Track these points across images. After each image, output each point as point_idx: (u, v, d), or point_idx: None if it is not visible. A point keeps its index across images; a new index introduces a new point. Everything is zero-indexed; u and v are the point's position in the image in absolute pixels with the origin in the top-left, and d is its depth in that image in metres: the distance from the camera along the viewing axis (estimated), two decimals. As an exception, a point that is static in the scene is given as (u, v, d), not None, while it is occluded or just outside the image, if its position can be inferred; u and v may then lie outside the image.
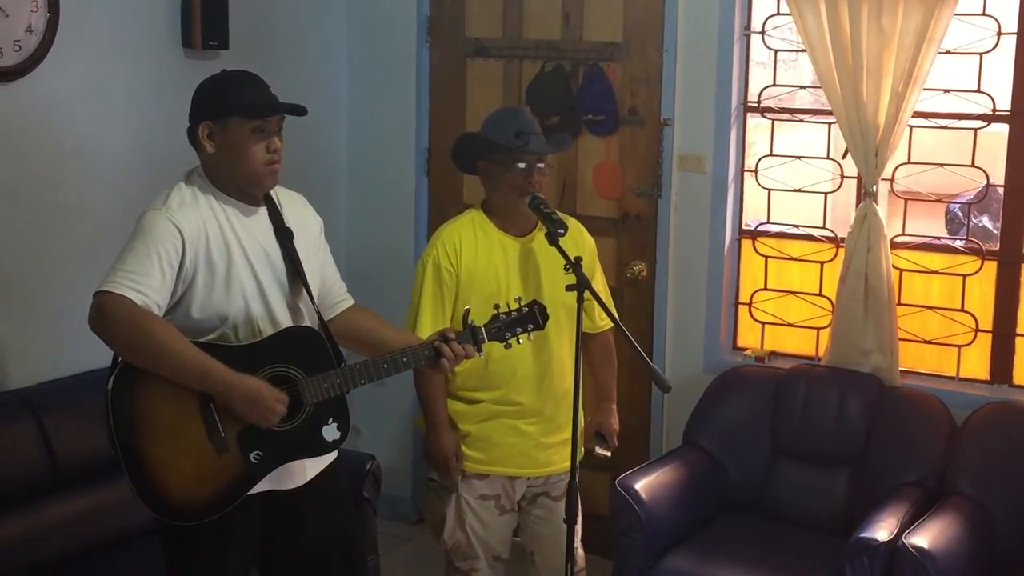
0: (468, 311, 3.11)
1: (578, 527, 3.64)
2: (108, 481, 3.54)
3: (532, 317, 3.13)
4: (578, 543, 3.67)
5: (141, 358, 2.76)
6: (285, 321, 2.96)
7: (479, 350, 3.07)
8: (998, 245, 4.24)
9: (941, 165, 4.31)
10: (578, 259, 3.25)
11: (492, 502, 3.57)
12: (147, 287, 2.75)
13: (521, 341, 3.14)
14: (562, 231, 3.35)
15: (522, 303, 3.14)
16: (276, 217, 2.99)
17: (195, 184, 2.92)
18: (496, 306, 3.13)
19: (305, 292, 3.00)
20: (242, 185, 2.92)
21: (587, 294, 3.21)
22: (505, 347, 3.13)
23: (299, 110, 2.94)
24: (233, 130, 2.87)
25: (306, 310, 3.03)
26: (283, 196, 3.07)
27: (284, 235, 2.98)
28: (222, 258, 2.87)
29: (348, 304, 3.21)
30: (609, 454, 3.69)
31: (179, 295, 2.84)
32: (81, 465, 3.71)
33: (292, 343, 2.92)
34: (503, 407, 3.52)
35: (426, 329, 3.37)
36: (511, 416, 3.52)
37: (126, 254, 2.79)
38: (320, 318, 3.05)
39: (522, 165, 3.43)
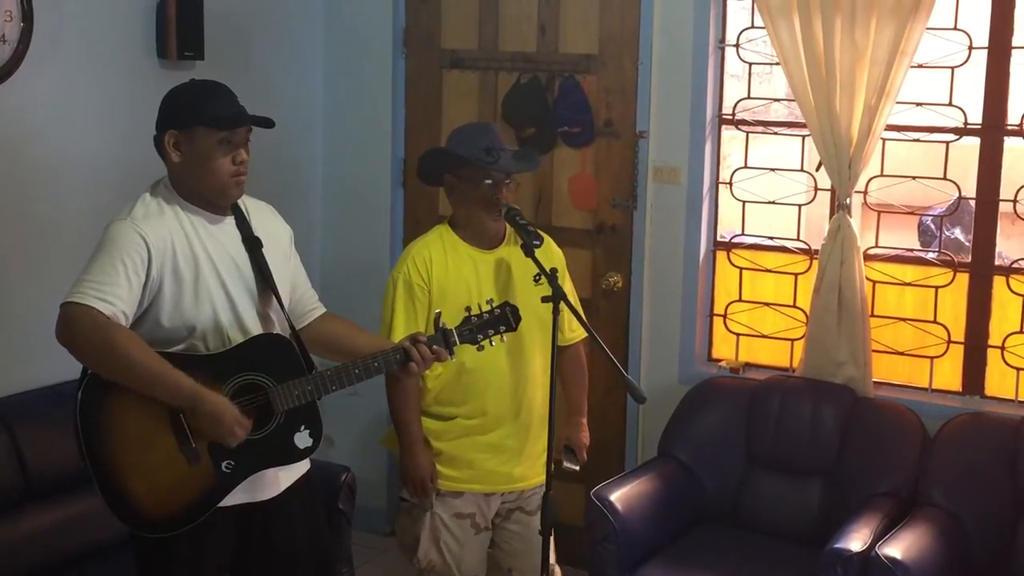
0: (439, 314, 3.09)
1: (552, 542, 3.64)
2: (81, 493, 3.51)
3: (504, 318, 3.12)
4: (554, 559, 3.67)
5: (108, 370, 2.75)
6: (255, 330, 2.95)
7: (451, 352, 3.06)
8: (970, 257, 4.27)
9: (914, 178, 4.34)
10: (553, 270, 3.26)
11: (467, 521, 3.53)
12: (114, 296, 2.73)
13: (494, 343, 3.12)
14: (538, 243, 3.36)
15: (494, 305, 3.13)
16: (244, 226, 2.98)
17: (160, 195, 2.90)
18: (468, 308, 3.12)
19: (275, 300, 2.99)
20: (207, 195, 2.90)
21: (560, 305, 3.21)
22: (478, 349, 3.11)
23: (266, 122, 2.92)
24: (199, 140, 2.85)
25: (277, 319, 3.02)
26: (251, 205, 3.05)
27: (253, 244, 2.97)
28: (189, 268, 2.86)
29: (320, 312, 3.20)
30: (577, 468, 3.67)
31: (146, 305, 2.82)
32: (53, 477, 3.68)
33: (261, 351, 2.91)
34: (476, 422, 3.50)
35: None
36: (484, 432, 3.50)
37: (91, 265, 2.77)
38: (292, 326, 3.03)
39: (489, 181, 3.42)
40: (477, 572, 3.60)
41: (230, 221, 2.97)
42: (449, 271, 3.46)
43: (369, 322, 3.56)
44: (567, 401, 3.72)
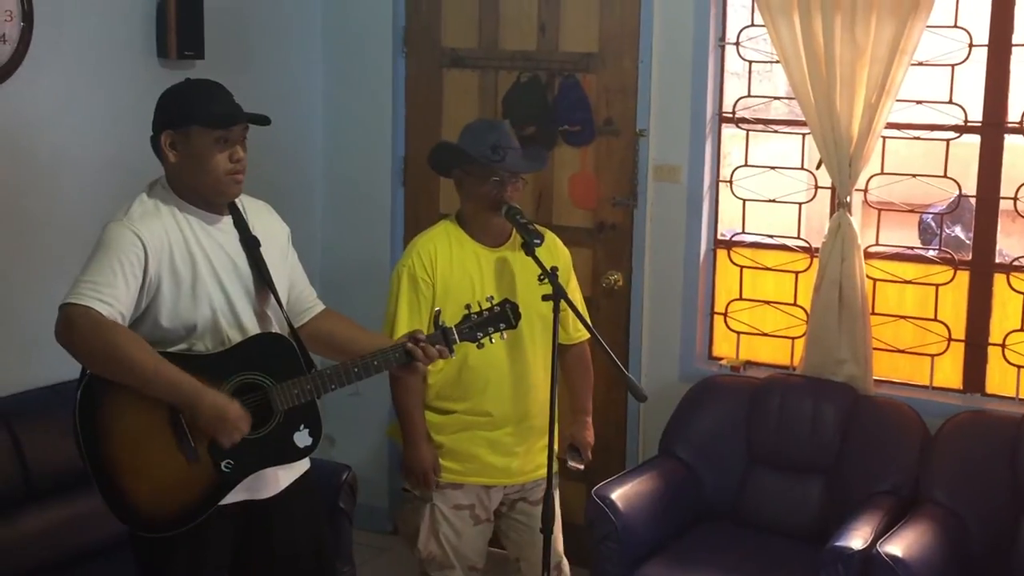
0: (439, 312, 3.11)
1: (560, 536, 3.65)
2: (81, 492, 3.49)
3: (504, 316, 3.12)
4: (562, 552, 3.68)
5: (109, 370, 2.75)
6: (253, 329, 2.95)
7: (451, 350, 3.06)
8: (970, 255, 4.27)
9: (914, 176, 4.34)
10: (554, 269, 3.27)
11: (467, 512, 3.56)
12: (111, 297, 2.73)
13: (494, 340, 3.13)
14: (538, 241, 3.36)
15: (494, 302, 3.14)
16: (242, 225, 2.98)
17: (157, 195, 2.90)
18: (468, 306, 3.13)
19: (273, 299, 2.99)
20: (205, 194, 2.90)
21: (562, 304, 3.21)
22: (478, 347, 3.12)
23: (262, 120, 2.91)
24: (195, 139, 2.85)
25: (275, 317, 3.02)
26: (248, 204, 3.05)
27: (250, 243, 2.97)
28: (187, 268, 2.86)
29: (318, 310, 3.20)
30: (582, 467, 3.67)
31: (144, 306, 2.82)
32: (54, 477, 3.68)
33: (261, 350, 2.91)
34: (477, 417, 3.51)
35: None
36: (484, 427, 3.52)
37: (88, 266, 2.77)
38: (290, 325, 3.03)
39: (496, 179, 3.43)
40: (476, 562, 3.62)
41: (227, 221, 2.97)
42: (454, 266, 3.48)
43: (370, 319, 3.57)
44: (572, 400, 3.73)
